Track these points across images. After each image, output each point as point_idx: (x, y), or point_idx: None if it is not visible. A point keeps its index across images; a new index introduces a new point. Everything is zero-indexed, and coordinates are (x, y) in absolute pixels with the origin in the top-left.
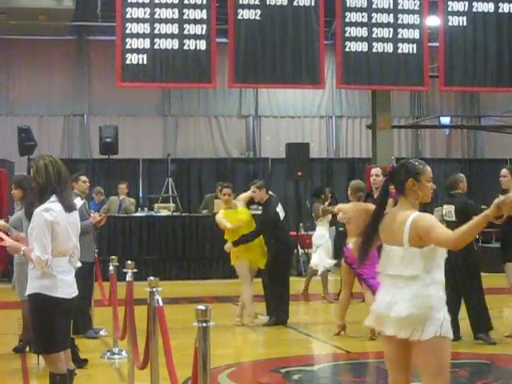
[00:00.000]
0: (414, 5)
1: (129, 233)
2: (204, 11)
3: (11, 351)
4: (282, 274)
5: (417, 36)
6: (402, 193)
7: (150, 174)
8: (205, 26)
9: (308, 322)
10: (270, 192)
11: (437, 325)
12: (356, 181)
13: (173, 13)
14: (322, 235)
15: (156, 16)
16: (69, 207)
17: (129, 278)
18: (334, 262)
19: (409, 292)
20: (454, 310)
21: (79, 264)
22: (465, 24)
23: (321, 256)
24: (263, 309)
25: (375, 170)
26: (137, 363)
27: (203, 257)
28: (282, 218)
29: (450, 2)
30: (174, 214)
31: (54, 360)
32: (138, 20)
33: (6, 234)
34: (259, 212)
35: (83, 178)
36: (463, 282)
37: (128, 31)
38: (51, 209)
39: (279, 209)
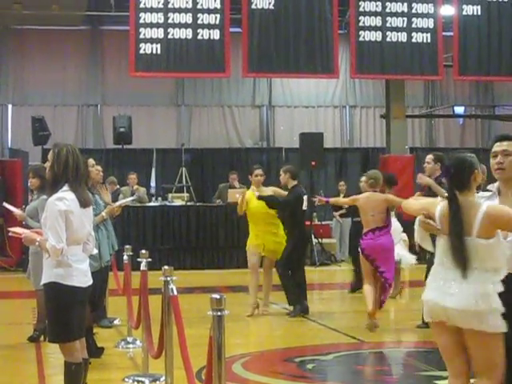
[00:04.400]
0: None
1: (143, 222)
2: (218, 1)
3: (26, 340)
4: (302, 263)
5: (431, 25)
6: (466, 187)
7: (163, 163)
8: (218, 16)
9: (322, 312)
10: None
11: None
12: (372, 170)
13: (186, 2)
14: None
15: (170, 5)
16: (83, 203)
17: (143, 267)
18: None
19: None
20: None
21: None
22: (479, 13)
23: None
24: (276, 298)
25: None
26: (151, 352)
27: (217, 246)
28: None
29: None
30: (188, 203)
31: (69, 349)
32: (151, 10)
33: (21, 224)
34: None
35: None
36: None
37: (142, 21)
38: (64, 198)
39: (305, 199)
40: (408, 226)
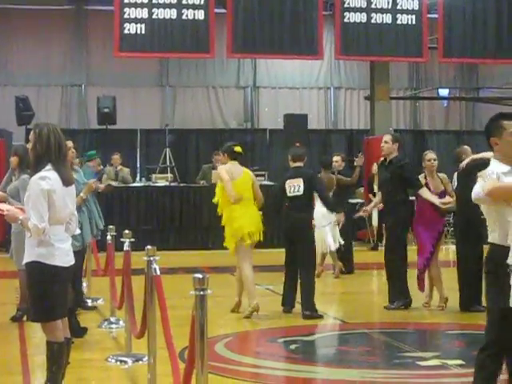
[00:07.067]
0: None
1: (126, 203)
2: None
3: (9, 320)
4: None
5: (416, 7)
6: None
7: (147, 144)
8: None
9: None
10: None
11: None
12: None
13: None
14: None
15: None
16: (66, 181)
17: (126, 247)
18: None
19: None
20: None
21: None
22: None
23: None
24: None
25: None
26: (134, 332)
27: (201, 227)
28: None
29: None
30: (172, 184)
31: (51, 328)
32: None
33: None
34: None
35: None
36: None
37: (126, 0)
38: (47, 177)
39: None
40: None
